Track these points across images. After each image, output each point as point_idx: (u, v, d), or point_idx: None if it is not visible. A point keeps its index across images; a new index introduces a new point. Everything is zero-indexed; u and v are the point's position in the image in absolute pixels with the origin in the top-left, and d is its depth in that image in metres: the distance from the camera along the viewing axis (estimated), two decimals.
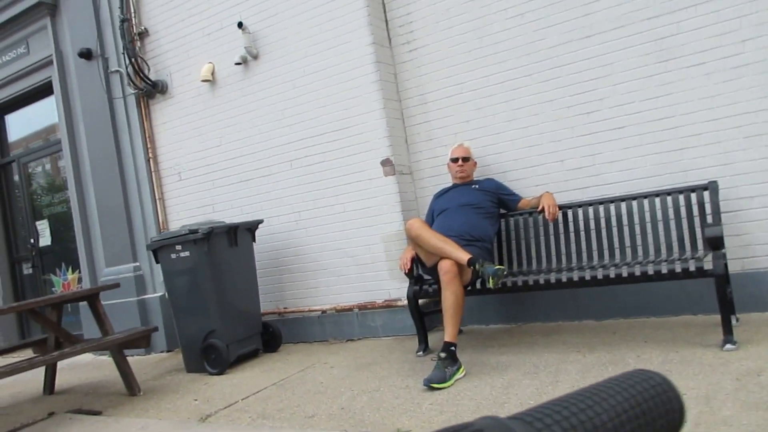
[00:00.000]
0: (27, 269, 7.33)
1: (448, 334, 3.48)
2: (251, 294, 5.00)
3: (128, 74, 5.87)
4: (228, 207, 5.61)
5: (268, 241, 5.27)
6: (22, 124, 7.49)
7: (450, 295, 3.54)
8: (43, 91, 7.00)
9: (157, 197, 5.99)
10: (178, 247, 4.67)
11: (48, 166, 7.37)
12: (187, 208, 5.87)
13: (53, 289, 6.98)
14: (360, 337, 4.97)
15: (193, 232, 4.57)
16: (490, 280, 3.45)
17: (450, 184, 4.48)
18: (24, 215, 7.35)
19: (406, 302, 4.67)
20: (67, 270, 6.91)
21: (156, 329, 4.41)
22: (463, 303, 3.58)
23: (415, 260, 4.07)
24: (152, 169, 6.00)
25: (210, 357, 4.58)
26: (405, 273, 4.12)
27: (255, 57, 5.34)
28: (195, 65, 5.71)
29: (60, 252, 7.14)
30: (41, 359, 3.66)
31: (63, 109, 6.48)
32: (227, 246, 4.78)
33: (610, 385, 0.45)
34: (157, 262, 4.90)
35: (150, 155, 6.00)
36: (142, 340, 4.22)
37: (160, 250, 4.79)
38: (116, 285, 4.56)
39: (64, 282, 6.89)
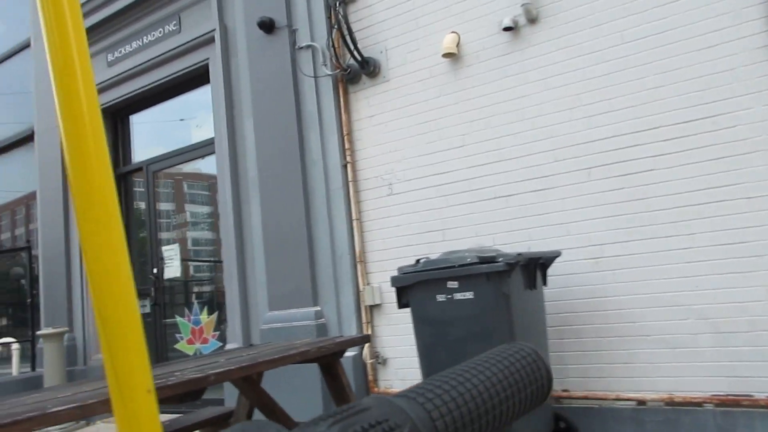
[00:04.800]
0: (142, 307, 5.67)
1: None
2: None
3: (332, 47, 4.32)
4: (470, 234, 3.87)
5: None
6: (156, 122, 6.02)
7: None
8: (188, 81, 5.55)
9: (353, 217, 4.31)
10: (453, 284, 2.92)
11: (187, 176, 5.83)
12: (400, 233, 4.16)
13: (179, 335, 5.28)
14: None
15: (488, 260, 2.82)
16: None
17: None
18: (148, 239, 5.74)
19: None
20: (201, 311, 5.22)
21: None
22: None
23: None
24: (349, 179, 4.35)
25: None
26: None
27: (533, 20, 3.73)
28: (426, 37, 4.14)
29: (192, 287, 5.48)
30: None
31: (224, 98, 4.95)
32: (523, 288, 3.01)
33: (486, 358, 0.51)
34: (402, 306, 3.15)
35: (347, 159, 4.36)
36: None
37: (414, 287, 3.05)
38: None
39: (195, 327, 5.19)
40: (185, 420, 2.90)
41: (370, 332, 4.14)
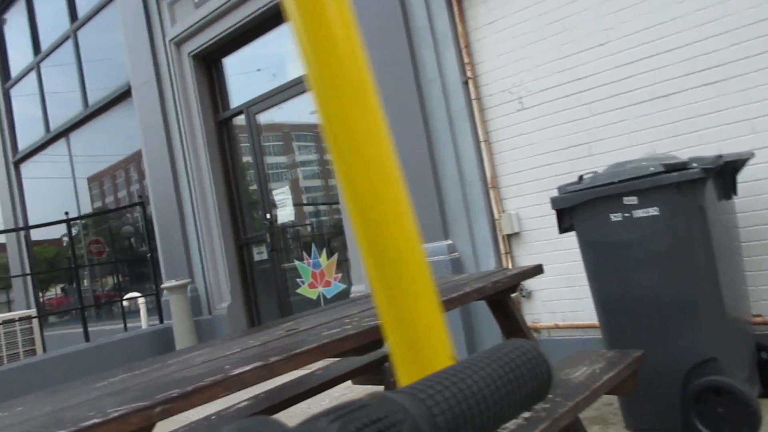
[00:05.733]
0: (259, 254, 5.58)
1: None
2: (743, 289, 2.73)
3: None
4: (623, 144, 3.37)
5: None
6: (249, 63, 5.76)
7: None
8: (278, 14, 5.19)
9: (480, 139, 3.89)
10: (631, 200, 2.48)
11: (285, 114, 5.58)
12: (536, 152, 3.71)
13: (299, 280, 5.15)
14: None
15: (677, 167, 2.35)
16: None
17: None
18: (258, 184, 5.57)
19: None
20: (320, 253, 5.04)
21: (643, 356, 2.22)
22: None
23: None
24: (472, 97, 3.91)
25: (710, 413, 2.35)
26: None
27: None
28: None
29: (308, 230, 5.32)
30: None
31: None
32: (717, 199, 2.52)
33: (486, 355, 0.50)
34: (565, 230, 2.75)
35: (468, 75, 3.91)
36: (629, 381, 2.06)
37: (580, 208, 2.63)
38: None
39: (316, 270, 5.03)
40: (341, 367, 2.69)
41: (510, 264, 3.79)
